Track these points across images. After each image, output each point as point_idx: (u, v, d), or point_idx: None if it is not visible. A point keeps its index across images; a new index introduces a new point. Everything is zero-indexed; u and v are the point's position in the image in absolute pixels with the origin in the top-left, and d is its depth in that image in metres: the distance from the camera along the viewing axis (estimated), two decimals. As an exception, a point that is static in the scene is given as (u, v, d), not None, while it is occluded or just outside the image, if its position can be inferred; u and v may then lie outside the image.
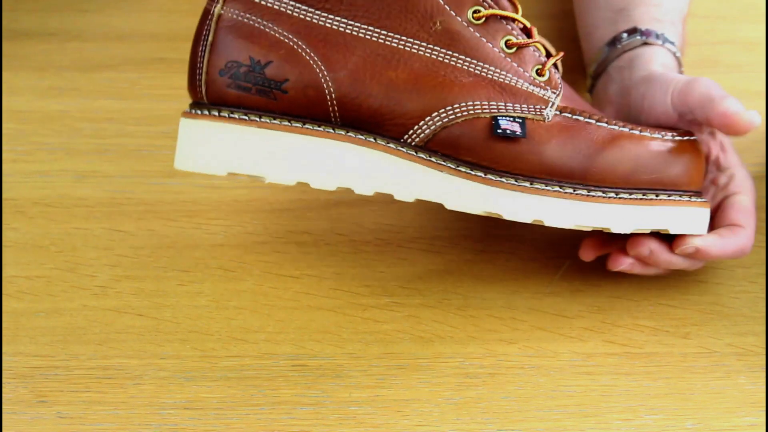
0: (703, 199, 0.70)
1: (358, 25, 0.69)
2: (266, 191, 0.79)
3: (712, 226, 0.72)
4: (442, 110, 0.68)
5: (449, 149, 0.68)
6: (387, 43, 0.68)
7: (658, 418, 0.65)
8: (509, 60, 0.69)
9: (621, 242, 0.71)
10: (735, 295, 0.73)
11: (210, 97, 0.70)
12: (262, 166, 0.69)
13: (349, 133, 0.69)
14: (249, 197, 0.79)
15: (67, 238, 0.76)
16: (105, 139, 0.84)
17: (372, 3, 0.69)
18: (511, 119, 0.68)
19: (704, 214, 0.70)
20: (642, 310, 0.72)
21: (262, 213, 0.78)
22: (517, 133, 0.67)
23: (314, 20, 0.69)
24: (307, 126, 0.69)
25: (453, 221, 0.77)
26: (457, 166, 0.68)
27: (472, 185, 0.68)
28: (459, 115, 0.68)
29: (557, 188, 0.68)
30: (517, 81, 0.69)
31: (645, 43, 0.77)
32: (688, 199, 0.69)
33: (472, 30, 0.69)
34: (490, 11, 0.69)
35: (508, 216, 0.68)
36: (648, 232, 0.69)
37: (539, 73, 0.69)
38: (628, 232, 0.68)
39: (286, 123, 0.69)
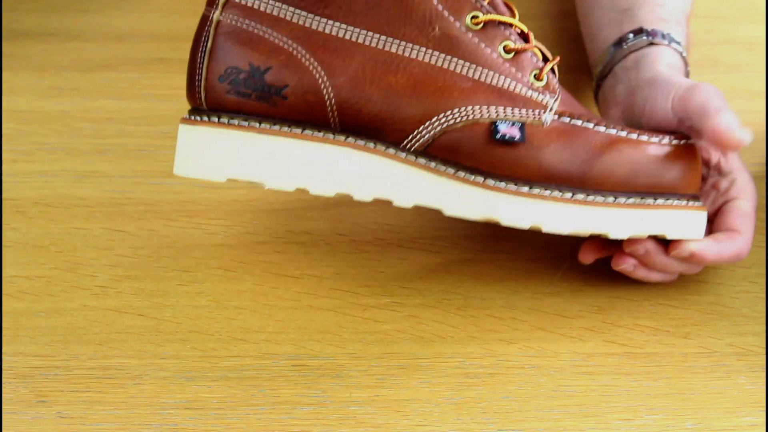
0: (700, 204, 0.70)
1: (358, 30, 0.69)
2: (266, 191, 0.79)
3: (711, 230, 0.72)
4: (442, 115, 0.68)
5: (449, 154, 0.68)
6: (386, 48, 0.69)
7: (658, 418, 0.65)
8: (507, 65, 0.69)
9: (621, 245, 0.71)
10: (735, 295, 0.73)
11: (209, 103, 0.70)
12: (262, 172, 0.69)
13: (349, 139, 0.69)
14: (249, 197, 0.79)
15: (67, 238, 0.76)
16: (105, 139, 0.84)
17: (371, 8, 0.69)
18: (511, 124, 0.68)
19: (701, 218, 0.70)
20: (642, 310, 0.72)
21: (262, 213, 0.78)
22: (516, 138, 0.67)
23: (313, 26, 0.69)
24: (306, 132, 0.69)
25: (453, 221, 0.77)
26: (456, 171, 0.68)
27: (471, 191, 0.68)
28: (458, 120, 0.68)
29: (556, 192, 0.68)
30: (515, 86, 0.69)
31: (651, 44, 0.77)
32: (685, 203, 0.69)
33: (470, 35, 0.69)
34: (489, 17, 0.69)
35: (506, 222, 0.68)
36: (645, 237, 0.69)
37: (537, 77, 0.69)
38: (625, 237, 0.68)
39: (286, 129, 0.69)
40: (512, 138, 0.67)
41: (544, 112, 0.68)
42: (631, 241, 0.70)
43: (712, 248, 0.70)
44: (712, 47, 0.93)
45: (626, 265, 0.71)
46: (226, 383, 0.67)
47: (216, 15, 0.70)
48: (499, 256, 0.75)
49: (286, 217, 0.77)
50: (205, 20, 0.70)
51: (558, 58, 0.71)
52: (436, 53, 0.69)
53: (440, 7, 0.69)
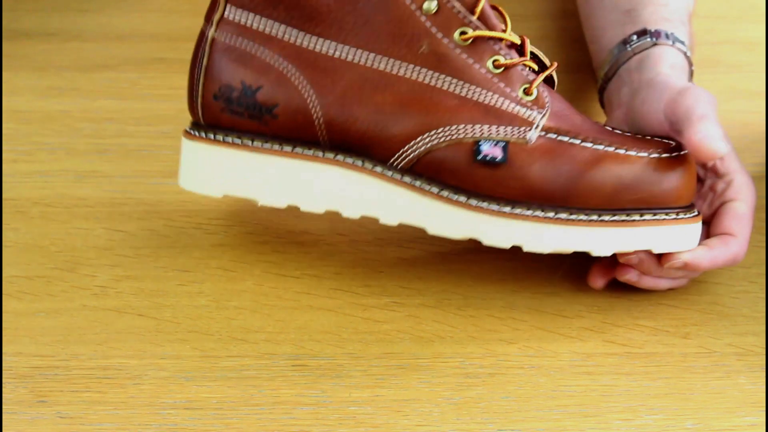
0: (692, 214, 0.69)
1: (347, 48, 0.69)
2: (266, 191, 0.79)
3: (708, 233, 0.72)
4: (426, 135, 0.69)
5: (434, 173, 0.69)
6: (375, 66, 0.69)
7: (658, 418, 0.65)
8: (496, 80, 0.69)
9: None
10: (735, 295, 0.73)
11: (206, 119, 0.72)
12: (255, 189, 0.71)
13: (338, 157, 0.70)
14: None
15: (67, 238, 0.76)
16: (105, 139, 0.84)
17: (362, 26, 0.69)
18: (494, 143, 0.68)
19: (692, 229, 0.69)
20: (642, 310, 0.72)
21: (262, 213, 0.78)
22: (498, 159, 0.68)
23: (304, 44, 0.70)
24: (296, 150, 0.71)
25: (453, 221, 0.77)
26: (440, 191, 0.69)
27: (454, 211, 0.69)
28: (443, 139, 0.68)
29: (538, 212, 0.68)
30: (502, 102, 0.69)
31: (655, 44, 0.77)
32: (674, 216, 0.69)
33: (458, 51, 0.69)
34: (477, 33, 0.69)
35: (487, 242, 0.69)
36: (631, 252, 0.69)
37: (526, 92, 0.69)
38: (609, 254, 0.68)
39: (277, 147, 0.71)
40: (494, 159, 0.68)
41: (530, 130, 0.68)
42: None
43: (705, 256, 0.70)
44: (712, 47, 0.93)
45: (630, 275, 0.71)
46: (225, 383, 0.67)
47: (211, 32, 0.71)
48: (499, 256, 0.75)
49: (286, 217, 0.77)
50: (202, 37, 0.72)
51: (555, 65, 0.71)
52: (424, 70, 0.69)
53: (428, 24, 0.69)
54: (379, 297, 0.72)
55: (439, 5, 0.69)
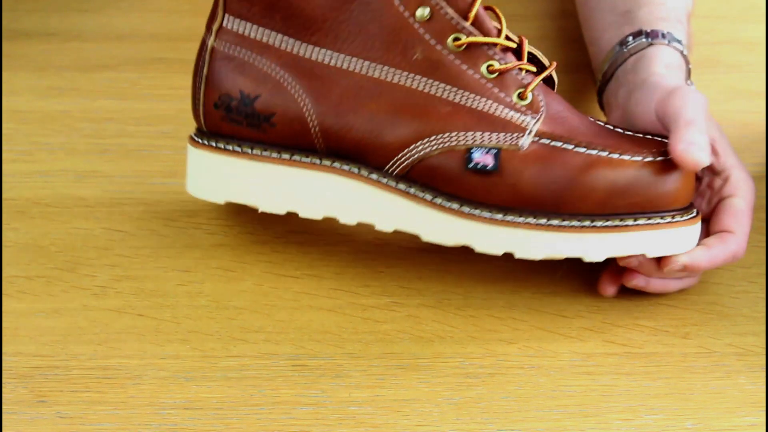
0: (689, 216, 0.69)
1: (343, 56, 0.70)
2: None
3: (708, 231, 0.72)
4: (419, 143, 0.69)
5: (428, 180, 0.69)
6: (370, 74, 0.70)
7: (658, 418, 0.65)
8: (490, 86, 0.69)
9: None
10: (735, 295, 0.73)
11: (208, 127, 0.73)
12: (255, 196, 0.73)
13: (335, 164, 0.71)
14: (249, 197, 0.79)
15: (67, 238, 0.76)
16: (105, 139, 0.84)
17: (357, 35, 0.70)
18: (485, 151, 0.68)
19: (689, 231, 0.69)
20: (642, 310, 0.72)
21: (262, 213, 0.78)
22: (489, 167, 0.68)
23: (301, 52, 0.71)
24: (295, 158, 0.71)
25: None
26: (434, 198, 0.69)
27: (446, 219, 0.69)
28: (435, 147, 0.69)
29: (530, 219, 0.68)
30: (496, 108, 0.69)
31: (651, 44, 0.77)
32: (670, 220, 0.68)
33: (452, 57, 0.69)
34: (470, 39, 0.69)
35: (479, 249, 0.69)
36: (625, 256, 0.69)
37: (521, 96, 0.69)
38: (601, 259, 0.68)
39: (276, 155, 0.72)
40: (485, 167, 0.68)
41: (522, 136, 0.68)
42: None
43: (703, 256, 0.70)
44: (712, 47, 0.93)
45: (637, 281, 0.71)
46: (225, 383, 0.67)
47: (211, 41, 0.72)
48: (499, 256, 0.75)
49: (286, 217, 0.77)
50: (202, 46, 0.73)
51: (554, 65, 0.71)
52: (418, 77, 0.69)
53: (422, 31, 0.69)
54: (379, 297, 0.72)
55: (432, 12, 0.69)
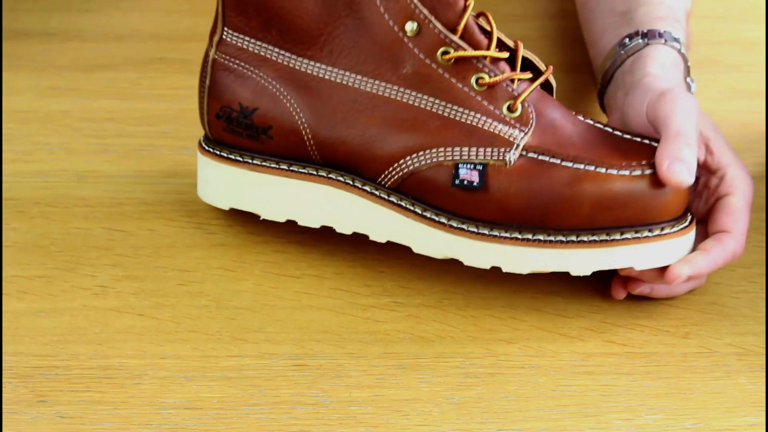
0: (681, 227, 0.69)
1: (336, 70, 0.71)
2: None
3: (706, 230, 0.72)
4: (409, 157, 0.70)
5: (418, 193, 0.70)
6: (362, 88, 0.70)
7: (658, 417, 0.65)
8: (479, 98, 0.69)
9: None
10: (735, 295, 0.73)
11: (212, 135, 0.75)
12: (256, 204, 0.74)
13: (331, 175, 0.72)
14: (249, 197, 0.79)
15: (67, 238, 0.76)
16: (105, 139, 0.84)
17: (350, 49, 0.71)
18: (472, 166, 0.68)
19: (679, 243, 0.69)
20: (642, 310, 0.72)
21: (262, 213, 0.78)
22: (474, 183, 0.68)
23: (296, 66, 0.72)
24: (293, 168, 0.73)
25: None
26: (423, 212, 0.70)
27: (435, 232, 0.70)
28: (425, 161, 0.69)
29: (516, 235, 0.68)
30: (485, 121, 0.69)
31: (647, 45, 0.77)
32: (658, 233, 0.68)
33: (441, 71, 0.69)
34: (458, 53, 0.69)
35: (467, 263, 0.70)
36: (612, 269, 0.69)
37: (510, 108, 0.69)
38: (588, 273, 0.68)
39: (274, 165, 0.73)
40: (471, 184, 0.68)
41: (510, 150, 0.68)
42: None
43: (704, 262, 0.69)
44: (712, 47, 0.93)
45: (641, 288, 0.71)
46: (226, 383, 0.67)
47: (212, 53, 0.74)
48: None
49: (286, 217, 0.77)
50: (206, 57, 0.74)
51: (550, 69, 0.71)
52: (408, 91, 0.69)
53: (411, 45, 0.69)
54: (380, 297, 0.72)
55: (420, 26, 0.69)
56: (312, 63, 0.71)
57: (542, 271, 0.69)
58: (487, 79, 0.69)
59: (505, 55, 0.70)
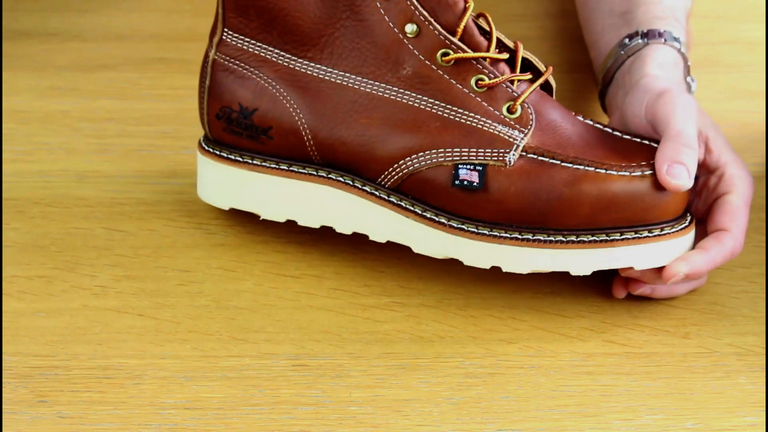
0: (680, 227, 0.69)
1: (337, 71, 0.71)
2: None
3: (705, 229, 0.72)
4: (409, 158, 0.70)
5: (418, 193, 0.70)
6: (362, 89, 0.71)
7: (658, 418, 0.65)
8: (479, 99, 0.69)
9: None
10: (735, 295, 0.73)
11: (212, 136, 0.75)
12: (256, 204, 0.74)
13: (330, 176, 0.72)
14: (249, 197, 0.78)
15: (67, 238, 0.76)
16: (105, 139, 0.84)
17: (351, 50, 0.71)
18: (471, 167, 0.68)
19: (678, 242, 0.69)
20: (642, 310, 0.72)
21: (262, 213, 0.78)
22: (474, 184, 0.68)
23: (297, 68, 0.72)
24: (292, 168, 0.73)
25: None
26: (423, 212, 0.70)
27: (435, 232, 0.70)
28: (425, 162, 0.69)
29: (516, 235, 0.68)
30: (485, 123, 0.69)
31: (647, 44, 0.77)
32: (658, 233, 0.68)
33: (441, 72, 0.69)
34: (458, 55, 0.69)
35: (467, 262, 0.70)
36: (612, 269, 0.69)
37: (510, 110, 0.69)
38: (588, 273, 0.68)
39: (274, 166, 0.73)
40: (470, 184, 0.68)
41: (509, 152, 0.68)
42: None
43: (702, 261, 0.69)
44: (712, 47, 0.93)
45: (642, 289, 0.71)
46: (225, 383, 0.67)
47: (212, 54, 0.74)
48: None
49: (286, 217, 0.77)
50: (206, 58, 0.74)
51: (550, 70, 0.71)
52: (408, 92, 0.70)
53: (411, 47, 0.70)
54: (379, 297, 0.72)
55: (419, 28, 0.69)
56: (312, 64, 0.71)
57: (542, 271, 0.69)
58: (486, 80, 0.69)
59: (505, 56, 0.70)
